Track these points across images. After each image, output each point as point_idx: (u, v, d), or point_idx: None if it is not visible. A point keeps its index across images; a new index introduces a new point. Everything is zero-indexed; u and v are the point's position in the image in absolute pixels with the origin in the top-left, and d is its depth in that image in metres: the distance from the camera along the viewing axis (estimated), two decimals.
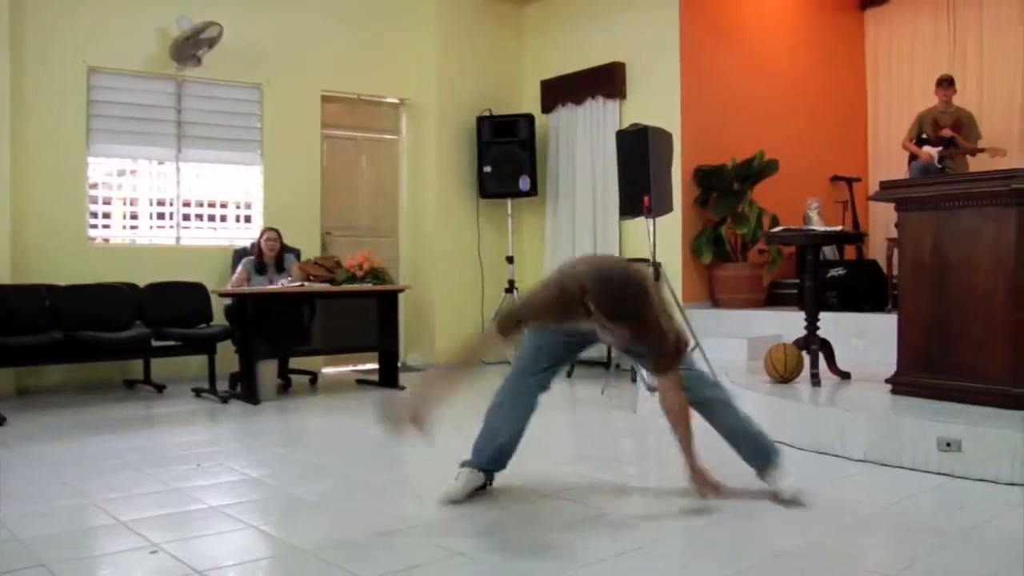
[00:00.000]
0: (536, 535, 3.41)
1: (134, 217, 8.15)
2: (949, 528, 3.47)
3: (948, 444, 4.27)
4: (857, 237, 6.30)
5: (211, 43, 7.87)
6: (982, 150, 7.84)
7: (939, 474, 4.27)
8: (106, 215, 7.96)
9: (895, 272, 6.58)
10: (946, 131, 7.94)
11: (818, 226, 7.18)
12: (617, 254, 8.56)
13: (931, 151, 7.90)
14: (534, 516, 3.68)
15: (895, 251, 6.72)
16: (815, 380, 5.63)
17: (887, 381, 5.27)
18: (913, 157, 8.09)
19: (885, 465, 4.48)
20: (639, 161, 6.63)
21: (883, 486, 4.19)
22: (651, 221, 6.71)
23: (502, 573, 2.92)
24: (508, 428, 3.90)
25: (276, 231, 7.58)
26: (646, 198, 6.52)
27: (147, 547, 3.25)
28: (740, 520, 3.61)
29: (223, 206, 8.55)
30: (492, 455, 3.92)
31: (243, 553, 3.28)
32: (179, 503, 3.91)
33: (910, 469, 4.39)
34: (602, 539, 3.27)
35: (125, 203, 8.15)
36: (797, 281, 7.31)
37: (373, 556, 3.13)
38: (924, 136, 8.08)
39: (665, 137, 6.87)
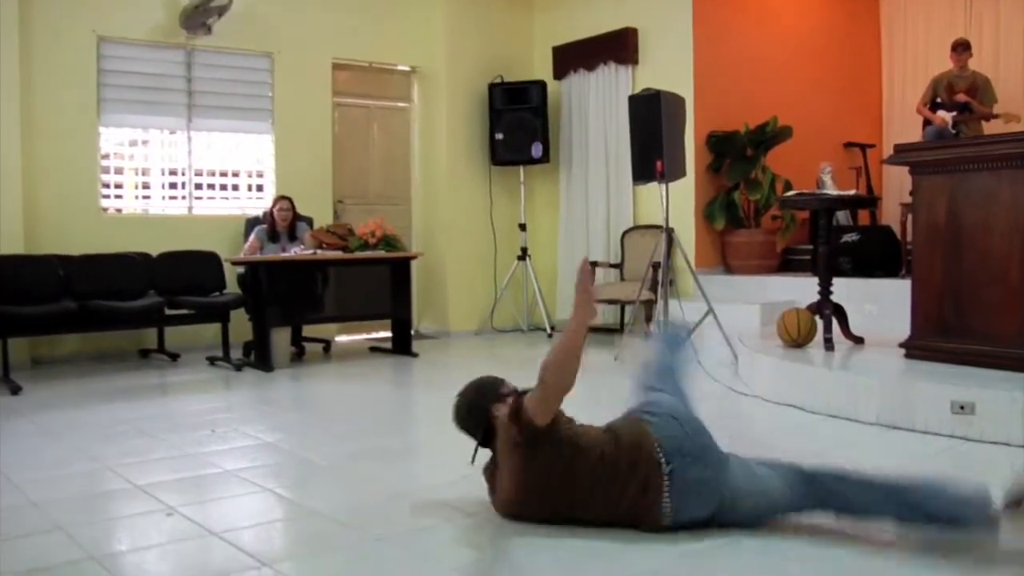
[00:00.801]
0: None
1: (146, 187, 8.16)
2: None
3: (961, 407, 4.26)
4: (870, 201, 6.26)
5: (221, 11, 7.83)
6: (996, 115, 7.76)
7: (952, 437, 4.26)
8: (118, 185, 7.97)
9: (909, 238, 6.54)
10: (961, 96, 7.86)
11: (831, 191, 7.13)
12: (631, 220, 8.56)
13: (945, 116, 7.82)
14: None
15: (909, 216, 6.68)
16: (828, 345, 5.62)
17: (900, 345, 5.26)
18: (927, 122, 8.01)
19: (898, 428, 4.48)
20: (652, 126, 6.59)
21: (895, 449, 4.18)
22: (664, 186, 6.67)
23: (515, 534, 2.93)
24: None
25: (289, 199, 7.57)
26: (659, 163, 6.48)
27: (163, 510, 3.28)
28: None
29: (235, 175, 8.55)
30: None
31: (258, 515, 3.30)
32: (194, 467, 3.94)
33: (923, 432, 4.38)
34: None
35: (137, 173, 8.15)
36: (810, 247, 7.29)
37: (387, 518, 3.15)
38: (939, 100, 8.00)
39: (678, 101, 6.82)
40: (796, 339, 5.67)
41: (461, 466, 3.10)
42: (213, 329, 7.43)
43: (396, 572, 2.65)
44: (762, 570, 2.63)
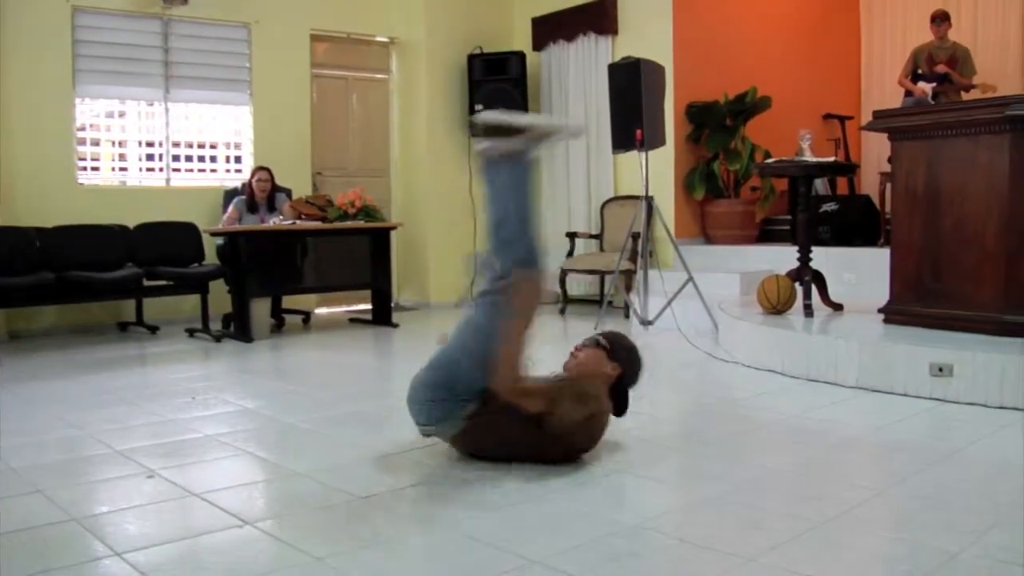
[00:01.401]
0: None
1: (122, 159, 8.09)
2: (938, 448, 3.50)
3: (940, 369, 4.29)
4: (849, 167, 6.29)
5: None
6: (975, 86, 7.79)
7: (931, 399, 4.30)
8: (94, 157, 7.89)
9: (887, 207, 6.56)
10: (941, 67, 7.88)
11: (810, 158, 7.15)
12: (612, 192, 8.55)
13: (925, 87, 7.84)
14: None
15: (887, 186, 6.71)
16: (808, 311, 5.65)
17: (879, 311, 5.29)
18: (908, 93, 8.02)
19: (877, 391, 4.51)
20: (631, 94, 6.58)
21: (874, 410, 4.21)
22: (644, 155, 6.67)
23: (500, 492, 2.94)
24: None
25: (268, 170, 7.53)
26: (639, 131, 6.48)
27: (143, 472, 3.27)
28: (731, 442, 3.64)
29: (213, 147, 8.49)
30: None
31: (239, 477, 3.30)
32: (175, 433, 3.93)
33: (902, 395, 4.41)
34: (592, 460, 3.28)
35: (114, 145, 8.08)
36: (789, 218, 7.33)
37: (369, 477, 3.16)
38: (919, 72, 8.02)
39: (657, 70, 6.81)
40: (776, 306, 5.70)
41: None
42: (191, 302, 7.41)
43: (380, 530, 2.65)
44: None
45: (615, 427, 3.44)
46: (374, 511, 2.81)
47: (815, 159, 5.75)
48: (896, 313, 5.18)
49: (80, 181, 7.71)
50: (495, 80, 9.02)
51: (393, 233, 7.99)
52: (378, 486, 3.04)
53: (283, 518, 2.79)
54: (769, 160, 6.11)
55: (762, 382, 4.89)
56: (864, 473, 3.27)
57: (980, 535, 2.48)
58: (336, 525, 2.71)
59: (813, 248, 5.85)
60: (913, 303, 5.10)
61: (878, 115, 5.36)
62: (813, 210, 6.93)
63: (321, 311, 8.67)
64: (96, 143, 7.91)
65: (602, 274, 8.09)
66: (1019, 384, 4.07)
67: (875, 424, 3.96)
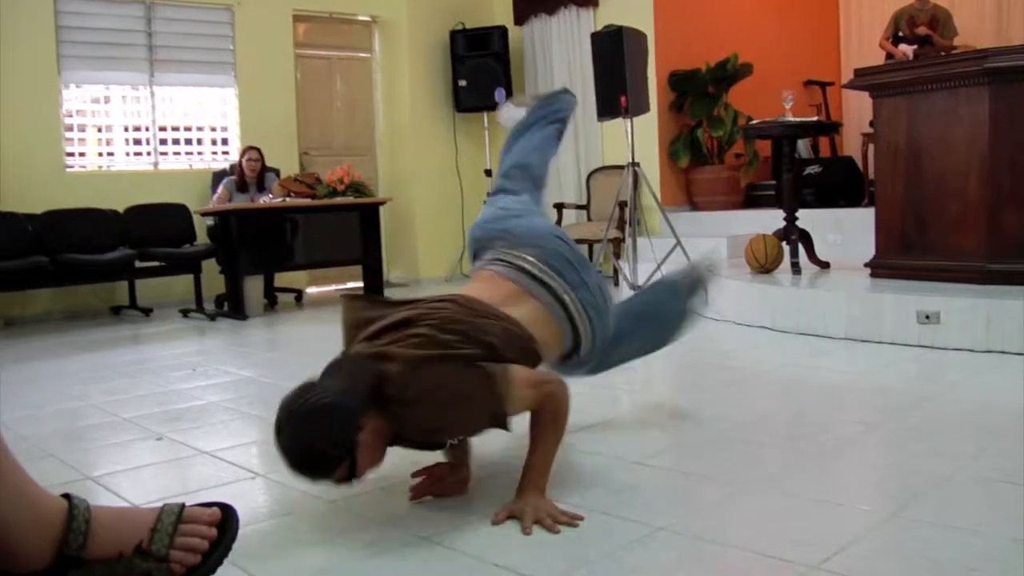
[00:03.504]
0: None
1: (109, 144, 8.10)
2: (926, 388, 3.61)
3: (927, 316, 4.38)
4: (832, 126, 6.37)
5: None
6: (956, 48, 7.86)
7: (919, 346, 4.39)
8: (81, 141, 7.91)
9: (870, 168, 6.65)
10: (922, 29, 7.94)
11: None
12: (600, 162, 8.62)
13: (907, 49, 7.90)
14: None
15: (870, 147, 6.79)
16: (795, 269, 5.74)
17: (866, 265, 5.38)
18: (889, 56, 8.11)
19: (867, 341, 4.60)
20: (615, 62, 6.65)
21: (864, 358, 4.30)
22: (629, 122, 6.74)
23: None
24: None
25: (258, 150, 7.57)
26: (623, 98, 6.55)
27: (152, 436, 3.33)
28: (726, 390, 3.73)
29: (199, 130, 8.51)
30: None
31: (247, 436, 3.36)
32: (179, 401, 3.99)
33: (890, 344, 4.51)
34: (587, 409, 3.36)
35: (101, 130, 8.10)
36: (773, 183, 7.40)
37: None
38: (900, 34, 8.09)
39: (640, 38, 6.87)
40: (764, 264, 5.78)
41: None
42: (184, 284, 7.45)
43: (391, 478, 2.72)
44: None
45: (608, 380, 3.48)
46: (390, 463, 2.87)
47: (798, 119, 5.83)
48: (882, 267, 5.27)
49: (68, 166, 7.73)
50: (478, 56, 9.07)
51: (381, 211, 8.04)
52: None
53: None
54: (754, 121, 6.18)
55: (753, 337, 4.98)
56: (856, 412, 3.35)
57: (970, 460, 2.56)
58: None
59: (798, 210, 5.94)
60: (899, 256, 5.19)
61: (859, 73, 5.44)
62: (797, 172, 7.01)
63: (312, 290, 8.73)
64: (83, 128, 7.92)
65: (591, 243, 8.15)
66: (1003, 328, 4.16)
67: (865, 370, 4.05)
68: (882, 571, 1.83)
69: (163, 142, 8.26)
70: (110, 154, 8.08)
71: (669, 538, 2.06)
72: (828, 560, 1.87)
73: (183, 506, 1.59)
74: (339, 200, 7.37)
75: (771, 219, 6.41)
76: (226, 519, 1.62)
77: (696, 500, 2.37)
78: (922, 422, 3.03)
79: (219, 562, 1.57)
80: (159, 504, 1.69)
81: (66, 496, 1.49)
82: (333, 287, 8.92)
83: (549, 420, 2.24)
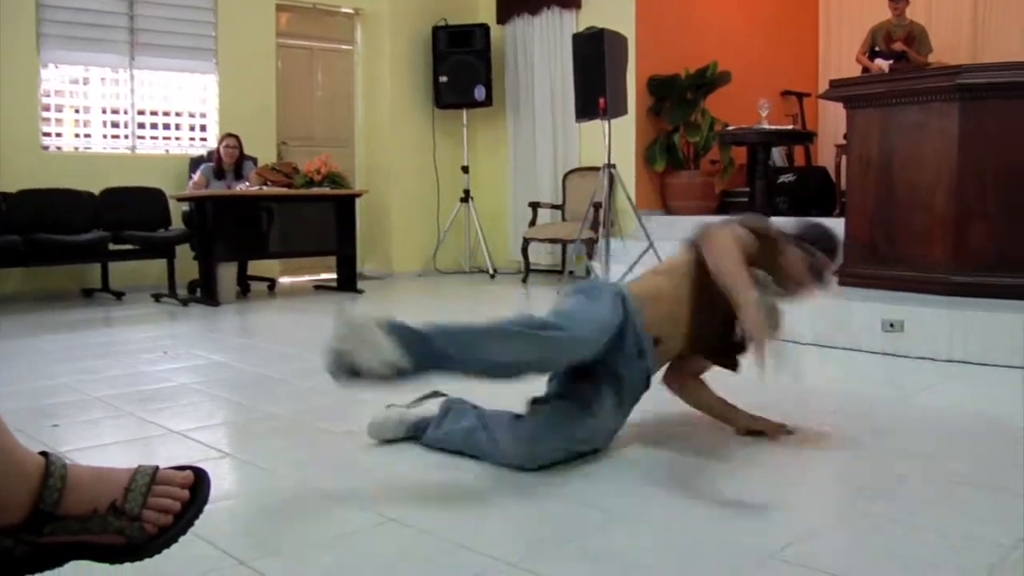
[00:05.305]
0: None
1: (87, 125, 8.08)
2: (889, 394, 3.69)
3: (892, 325, 4.47)
4: (806, 135, 6.46)
5: None
6: (931, 64, 7.98)
7: (883, 354, 4.48)
8: (59, 122, 7.88)
9: (843, 179, 6.73)
10: (898, 44, 8.05)
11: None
12: (578, 163, 8.68)
13: (883, 64, 8.01)
14: None
15: (843, 158, 6.88)
16: None
17: (834, 274, 5.45)
18: (865, 70, 8.21)
19: (833, 347, 4.68)
20: (595, 64, 6.71)
21: (830, 364, 4.38)
22: (606, 124, 6.80)
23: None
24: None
25: (236, 137, 7.57)
26: (602, 100, 6.61)
27: (123, 415, 3.34)
28: None
29: (178, 115, 8.50)
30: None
31: (217, 417, 3.39)
32: (149, 382, 4.00)
33: (856, 350, 4.59)
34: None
35: (79, 112, 8.06)
36: (747, 190, 7.47)
37: (346, 417, 3.24)
38: (877, 49, 8.19)
39: (620, 41, 6.94)
40: None
41: None
42: (157, 268, 7.43)
43: (360, 460, 2.75)
44: None
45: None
46: (351, 443, 2.91)
47: (774, 126, 5.91)
48: (851, 275, 5.35)
49: (44, 147, 7.70)
50: (459, 52, 9.11)
51: (357, 203, 8.05)
52: (358, 424, 3.11)
53: (262, 449, 2.88)
54: (730, 127, 6.26)
55: None
56: (820, 414, 3.41)
57: (930, 461, 2.63)
58: (315, 454, 2.80)
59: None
60: (867, 265, 5.28)
61: (835, 84, 5.53)
62: (771, 180, 7.09)
63: (285, 280, 8.73)
64: (60, 109, 7.89)
65: (564, 243, 8.22)
66: (966, 339, 4.26)
67: (830, 375, 4.12)
68: (841, 562, 1.89)
69: (141, 126, 8.24)
70: (87, 136, 8.06)
71: (632, 526, 2.11)
72: (785, 549, 1.92)
73: (157, 468, 1.62)
74: (316, 191, 7.38)
75: None
76: (198, 482, 1.66)
77: (658, 491, 2.42)
78: (884, 424, 3.10)
79: (190, 523, 1.61)
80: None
81: (43, 454, 1.52)
82: (306, 277, 8.92)
83: None
